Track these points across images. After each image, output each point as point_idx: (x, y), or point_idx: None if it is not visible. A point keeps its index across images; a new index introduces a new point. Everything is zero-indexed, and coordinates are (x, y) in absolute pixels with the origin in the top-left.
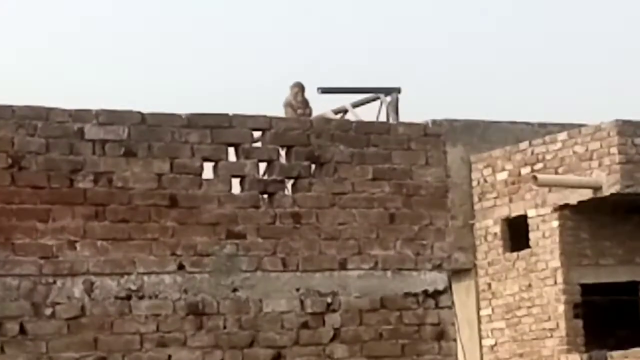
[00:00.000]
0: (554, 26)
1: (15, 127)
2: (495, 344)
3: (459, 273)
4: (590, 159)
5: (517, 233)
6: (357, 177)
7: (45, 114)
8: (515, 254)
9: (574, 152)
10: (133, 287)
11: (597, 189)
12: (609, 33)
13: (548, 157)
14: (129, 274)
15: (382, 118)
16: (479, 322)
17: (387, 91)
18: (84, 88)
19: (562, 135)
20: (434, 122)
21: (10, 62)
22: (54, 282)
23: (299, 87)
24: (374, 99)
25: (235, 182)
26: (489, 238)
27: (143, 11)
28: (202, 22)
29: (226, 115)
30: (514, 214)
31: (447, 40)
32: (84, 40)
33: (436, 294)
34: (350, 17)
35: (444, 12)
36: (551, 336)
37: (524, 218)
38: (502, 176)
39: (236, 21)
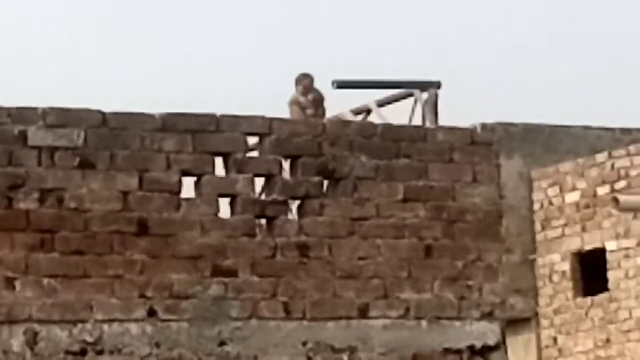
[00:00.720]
0: None
1: None
2: None
3: (516, 324)
4: None
5: (592, 272)
6: (383, 197)
7: None
8: (589, 299)
9: None
10: (90, 340)
11: None
12: None
13: (633, 173)
14: (84, 322)
15: (417, 121)
16: None
17: (423, 86)
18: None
19: None
20: (484, 126)
21: None
22: None
23: (309, 80)
24: (405, 97)
25: (225, 203)
26: (556, 278)
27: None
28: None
29: (212, 116)
30: (588, 247)
31: (501, 22)
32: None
33: (486, 350)
34: None
35: None
36: None
37: (601, 253)
38: (573, 198)
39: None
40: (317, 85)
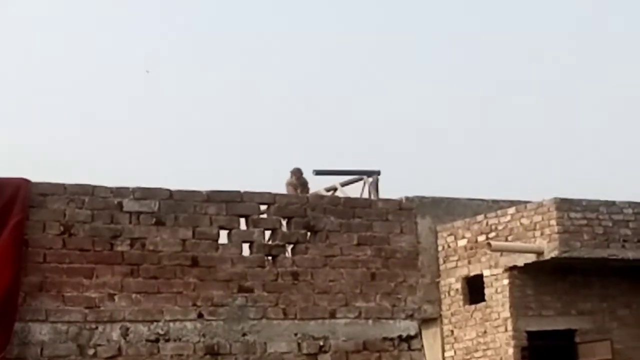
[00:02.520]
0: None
1: (67, 201)
2: None
3: (427, 322)
4: (534, 229)
5: (474, 289)
6: (344, 242)
7: (91, 190)
8: (473, 306)
9: (521, 224)
10: (161, 332)
11: (539, 253)
12: (553, 123)
13: (500, 227)
14: (157, 321)
15: (365, 195)
16: None
17: (369, 173)
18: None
19: (511, 210)
20: (407, 198)
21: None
22: (96, 328)
23: (298, 171)
24: (358, 179)
25: (245, 246)
26: (452, 293)
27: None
28: (219, 118)
29: (238, 192)
30: (472, 274)
31: (418, 131)
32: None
33: (409, 338)
34: (342, 114)
35: (415, 110)
36: None
37: (480, 277)
38: (462, 243)
39: (248, 118)
40: (303, 173)
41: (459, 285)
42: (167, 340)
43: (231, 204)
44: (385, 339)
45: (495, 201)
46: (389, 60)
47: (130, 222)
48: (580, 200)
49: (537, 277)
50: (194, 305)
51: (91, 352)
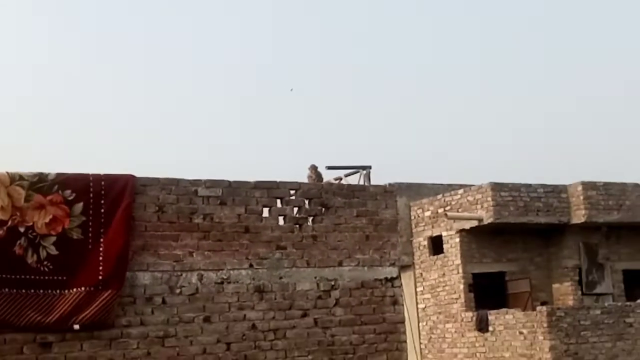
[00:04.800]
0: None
1: (160, 189)
2: (425, 307)
3: (404, 268)
4: (477, 203)
5: (436, 245)
6: (347, 215)
7: (176, 182)
8: (435, 256)
9: (467, 200)
10: (224, 277)
11: (480, 220)
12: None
13: (453, 202)
14: (222, 269)
15: (362, 182)
16: (416, 295)
17: (364, 168)
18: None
19: (461, 191)
20: (389, 184)
21: None
22: (181, 275)
23: (313, 167)
24: (356, 172)
25: (281, 218)
26: (421, 248)
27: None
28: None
29: (275, 181)
30: (434, 234)
31: (405, 131)
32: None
33: (392, 279)
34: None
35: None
36: (456, 302)
37: (440, 237)
38: (427, 213)
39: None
40: (319, 168)
41: (425, 243)
42: (229, 283)
43: (271, 190)
44: (376, 279)
45: (449, 185)
46: (382, 65)
47: (203, 203)
48: (507, 184)
49: (479, 236)
50: (247, 258)
51: (178, 291)
